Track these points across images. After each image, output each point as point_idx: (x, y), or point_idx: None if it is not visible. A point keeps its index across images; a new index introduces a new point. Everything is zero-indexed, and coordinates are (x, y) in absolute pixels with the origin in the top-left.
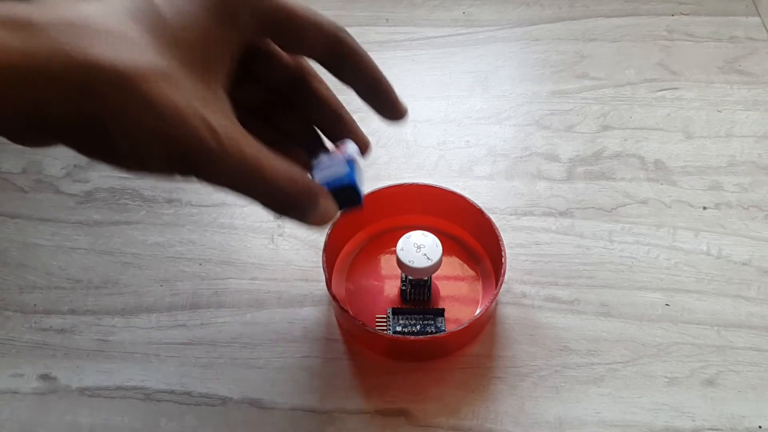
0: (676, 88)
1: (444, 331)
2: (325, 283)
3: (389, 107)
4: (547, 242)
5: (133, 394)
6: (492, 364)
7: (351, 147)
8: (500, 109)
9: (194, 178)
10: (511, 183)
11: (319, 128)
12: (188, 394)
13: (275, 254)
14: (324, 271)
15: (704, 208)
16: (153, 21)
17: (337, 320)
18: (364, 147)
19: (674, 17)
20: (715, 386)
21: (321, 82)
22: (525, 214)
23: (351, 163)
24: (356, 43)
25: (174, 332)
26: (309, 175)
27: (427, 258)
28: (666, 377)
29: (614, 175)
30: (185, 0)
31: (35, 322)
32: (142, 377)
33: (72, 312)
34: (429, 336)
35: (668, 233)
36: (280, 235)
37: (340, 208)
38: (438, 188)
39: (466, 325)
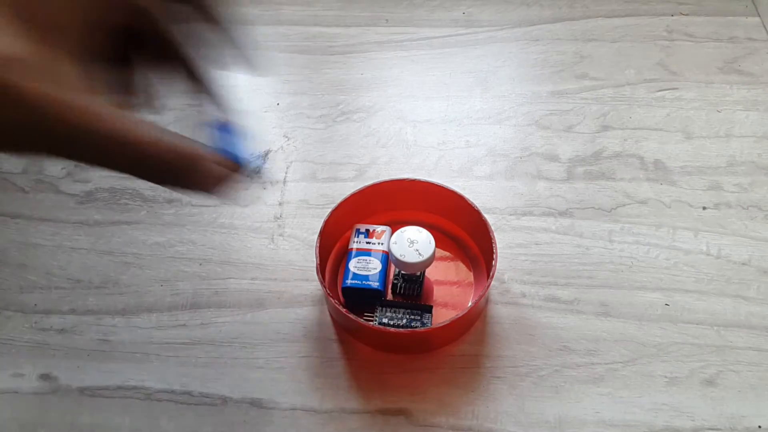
0: (676, 89)
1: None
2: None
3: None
4: (546, 242)
5: (133, 393)
6: (492, 364)
7: (387, 236)
8: (500, 109)
9: (68, 160)
10: (510, 183)
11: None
12: (188, 393)
13: (275, 254)
14: (316, 257)
15: (704, 208)
16: (24, 4)
17: (329, 312)
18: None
19: (674, 17)
20: (715, 386)
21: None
22: (525, 214)
23: (385, 259)
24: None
25: (174, 332)
26: (182, 139)
27: (419, 254)
28: (666, 377)
29: (614, 175)
30: None
31: (36, 322)
32: (143, 377)
33: (72, 312)
34: (409, 330)
35: (668, 233)
36: (280, 235)
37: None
38: (434, 184)
39: (447, 322)
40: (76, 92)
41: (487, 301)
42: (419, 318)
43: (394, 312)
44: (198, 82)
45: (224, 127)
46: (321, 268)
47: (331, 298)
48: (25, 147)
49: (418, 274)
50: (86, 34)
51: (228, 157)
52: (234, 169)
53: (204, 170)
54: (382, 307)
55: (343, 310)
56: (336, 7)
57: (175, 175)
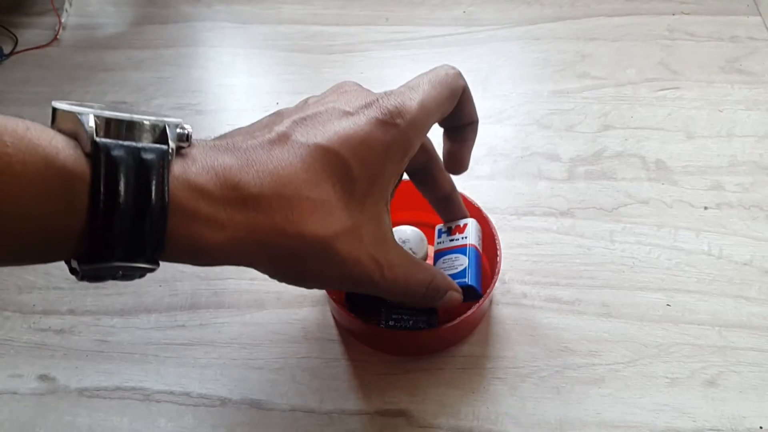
0: (677, 88)
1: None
2: None
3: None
4: (548, 242)
5: (132, 394)
6: (492, 365)
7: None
8: (501, 108)
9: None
10: (511, 183)
11: (433, 205)
12: (187, 394)
13: None
14: None
15: (705, 208)
16: (346, 182)
17: (332, 314)
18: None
19: (675, 17)
20: (716, 387)
21: (441, 170)
22: (526, 214)
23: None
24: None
25: (173, 333)
26: (437, 275)
27: (413, 252)
28: (667, 378)
29: (615, 174)
30: (376, 159)
31: (34, 323)
32: (141, 378)
33: (71, 312)
34: (411, 330)
35: (669, 233)
36: None
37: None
38: None
39: (456, 321)
40: (379, 246)
41: (491, 301)
42: (425, 319)
43: (400, 314)
44: (459, 212)
45: (473, 252)
46: None
47: (333, 301)
48: (327, 287)
49: None
50: (393, 187)
51: (462, 285)
52: (467, 297)
53: (445, 300)
54: (387, 308)
55: (345, 313)
56: (336, 5)
57: (428, 303)
